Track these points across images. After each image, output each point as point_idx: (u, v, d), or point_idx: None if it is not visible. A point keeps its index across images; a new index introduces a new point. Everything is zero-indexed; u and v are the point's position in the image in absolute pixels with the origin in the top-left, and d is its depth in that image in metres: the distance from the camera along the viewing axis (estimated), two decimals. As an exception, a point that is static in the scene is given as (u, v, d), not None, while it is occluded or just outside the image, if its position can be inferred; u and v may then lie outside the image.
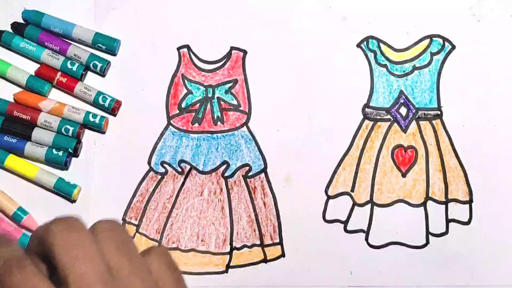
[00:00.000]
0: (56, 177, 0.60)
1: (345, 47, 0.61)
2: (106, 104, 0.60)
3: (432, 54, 0.61)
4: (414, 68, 0.61)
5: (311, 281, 0.60)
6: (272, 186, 0.61)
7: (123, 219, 0.60)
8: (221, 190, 0.61)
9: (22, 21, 0.61)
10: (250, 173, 0.61)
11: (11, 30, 0.61)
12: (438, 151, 0.60)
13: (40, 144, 0.60)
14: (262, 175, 0.61)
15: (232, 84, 0.61)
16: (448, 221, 0.60)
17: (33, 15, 0.60)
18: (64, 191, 0.59)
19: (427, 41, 0.61)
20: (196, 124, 0.61)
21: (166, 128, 0.61)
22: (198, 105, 0.61)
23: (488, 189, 0.60)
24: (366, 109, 0.61)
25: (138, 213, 0.61)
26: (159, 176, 0.61)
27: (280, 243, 0.60)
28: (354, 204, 0.60)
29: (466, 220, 0.60)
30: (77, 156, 0.61)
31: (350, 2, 0.61)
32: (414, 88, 0.61)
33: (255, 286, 0.60)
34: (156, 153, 0.61)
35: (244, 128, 0.61)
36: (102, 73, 0.61)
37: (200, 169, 0.61)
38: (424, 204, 0.60)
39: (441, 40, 0.61)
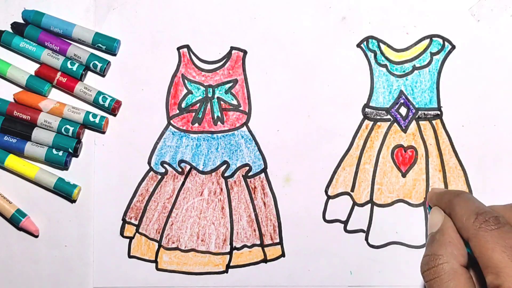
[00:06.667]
0: (56, 177, 0.60)
1: (345, 47, 0.61)
2: (106, 104, 0.60)
3: (432, 54, 0.61)
4: (414, 68, 0.61)
5: (311, 281, 0.60)
6: (272, 186, 0.61)
7: (123, 219, 0.60)
8: (221, 190, 0.61)
9: (22, 21, 0.61)
10: (250, 173, 0.61)
11: (11, 30, 0.61)
12: (438, 151, 0.60)
13: (40, 144, 0.60)
14: (262, 175, 0.61)
15: (232, 84, 0.61)
16: (448, 221, 0.60)
17: (33, 15, 0.60)
18: (64, 191, 0.59)
19: (427, 41, 0.61)
20: (196, 124, 0.61)
21: (166, 128, 0.61)
22: (198, 105, 0.61)
23: (487, 189, 0.60)
24: (366, 109, 0.61)
25: (138, 213, 0.61)
26: (159, 176, 0.61)
27: (280, 243, 0.60)
28: (354, 204, 0.60)
29: (466, 220, 0.60)
30: (77, 156, 0.61)
31: (350, 2, 0.61)
32: (414, 88, 0.61)
33: (255, 286, 0.60)
34: (156, 153, 0.61)
35: (244, 128, 0.61)
36: (102, 73, 0.61)
37: (200, 169, 0.61)
38: (424, 204, 0.60)
39: (441, 40, 0.61)
